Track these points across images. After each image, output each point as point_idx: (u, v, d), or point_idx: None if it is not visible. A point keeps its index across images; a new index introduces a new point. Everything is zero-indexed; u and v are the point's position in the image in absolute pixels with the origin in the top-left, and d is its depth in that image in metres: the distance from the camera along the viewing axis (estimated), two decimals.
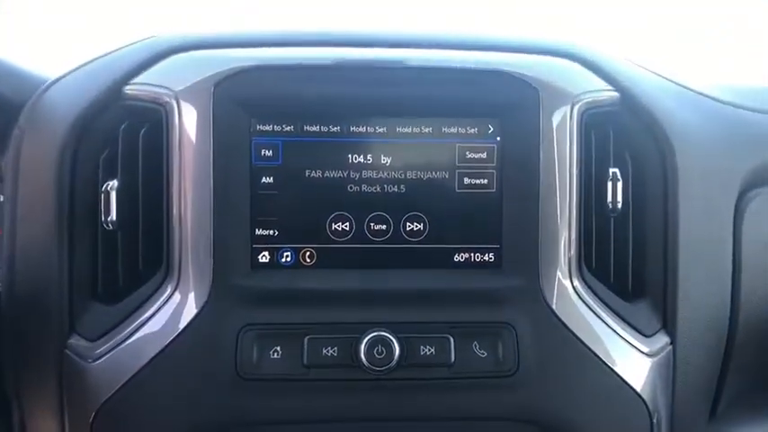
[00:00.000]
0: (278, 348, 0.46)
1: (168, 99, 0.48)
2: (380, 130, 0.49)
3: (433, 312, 0.47)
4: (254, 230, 0.48)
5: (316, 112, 0.48)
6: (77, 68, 0.54)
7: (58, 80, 0.54)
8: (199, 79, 0.48)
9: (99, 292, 0.50)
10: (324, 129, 0.48)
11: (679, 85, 0.55)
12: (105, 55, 0.54)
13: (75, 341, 0.48)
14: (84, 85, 0.52)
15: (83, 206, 0.49)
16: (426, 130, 0.49)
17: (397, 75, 0.48)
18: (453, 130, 0.49)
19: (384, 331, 0.45)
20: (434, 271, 0.49)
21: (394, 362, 0.45)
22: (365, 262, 0.49)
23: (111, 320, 0.48)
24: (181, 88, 0.48)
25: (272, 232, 0.49)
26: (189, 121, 0.48)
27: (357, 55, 0.48)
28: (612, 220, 0.50)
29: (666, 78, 0.56)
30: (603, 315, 0.48)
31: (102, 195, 0.48)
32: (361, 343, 0.45)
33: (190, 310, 0.46)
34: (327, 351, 0.45)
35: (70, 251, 0.49)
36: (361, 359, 0.45)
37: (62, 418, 0.49)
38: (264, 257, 0.49)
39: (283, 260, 0.49)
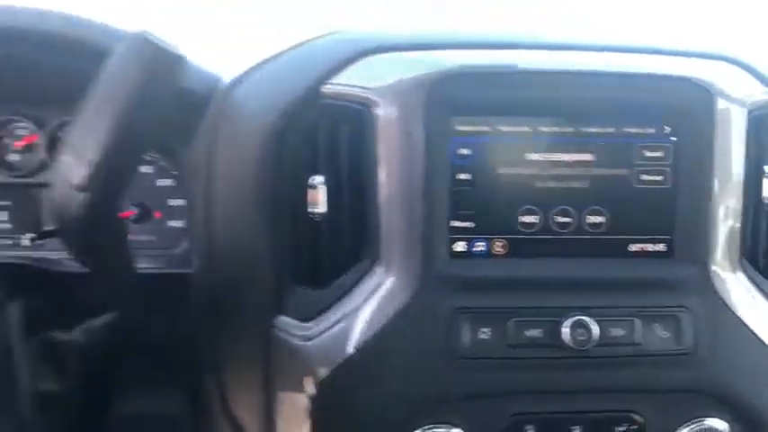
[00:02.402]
0: (485, 330, 0.51)
1: (370, 98, 0.51)
2: (567, 129, 0.53)
3: (616, 297, 0.52)
4: (452, 223, 0.52)
5: (510, 113, 0.52)
6: (265, 63, 0.57)
7: (245, 76, 0.56)
8: (403, 80, 0.51)
9: (304, 279, 0.54)
10: (516, 129, 0.52)
11: None
12: (294, 49, 0.57)
13: (284, 322, 0.53)
14: (279, 83, 0.54)
15: (286, 199, 0.53)
16: (609, 130, 0.53)
17: (585, 80, 0.52)
18: (633, 130, 0.53)
19: (582, 315, 0.51)
20: (613, 260, 0.54)
21: (592, 342, 0.50)
22: (551, 251, 0.53)
23: (319, 304, 0.53)
24: (384, 89, 0.51)
25: (468, 224, 0.53)
26: (392, 120, 0.51)
27: (553, 62, 0.52)
28: None
29: None
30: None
31: (308, 190, 0.52)
32: (563, 325, 0.50)
33: (402, 297, 0.51)
34: (530, 333, 0.51)
35: (275, 242, 0.53)
36: (563, 340, 0.50)
37: (271, 398, 0.54)
38: (460, 247, 0.53)
39: (476, 250, 0.53)
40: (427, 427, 0.52)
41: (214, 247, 0.56)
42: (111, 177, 0.42)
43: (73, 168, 0.41)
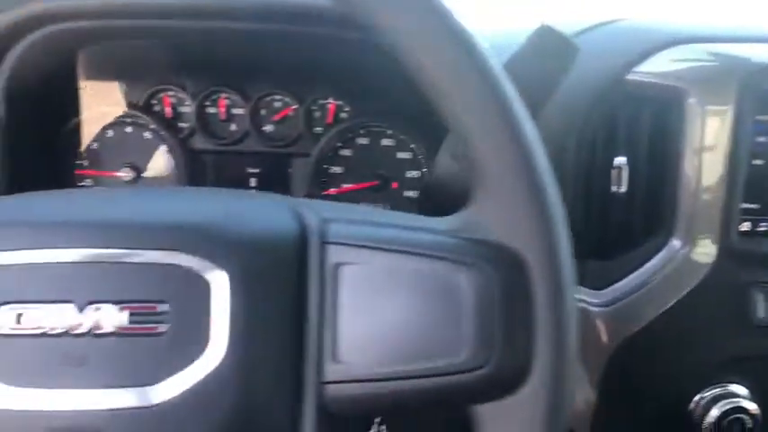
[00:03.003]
0: None
1: (681, 87, 0.56)
2: None
3: None
4: (743, 204, 0.57)
5: None
6: None
7: None
8: (715, 71, 0.56)
9: (594, 251, 0.59)
10: None
11: None
12: (587, 33, 0.61)
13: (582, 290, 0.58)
14: (582, 67, 0.59)
15: (586, 176, 0.58)
16: None
17: None
18: None
19: None
20: None
21: None
22: None
23: (612, 275, 0.58)
24: (695, 79, 0.56)
25: (755, 206, 0.58)
26: (702, 109, 0.55)
27: None
28: None
29: None
30: None
31: (612, 170, 0.57)
32: None
33: (700, 270, 0.56)
34: None
35: (573, 215, 0.58)
36: None
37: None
38: (746, 227, 0.58)
39: (760, 229, 0.58)
40: (715, 384, 0.58)
41: None
42: None
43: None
